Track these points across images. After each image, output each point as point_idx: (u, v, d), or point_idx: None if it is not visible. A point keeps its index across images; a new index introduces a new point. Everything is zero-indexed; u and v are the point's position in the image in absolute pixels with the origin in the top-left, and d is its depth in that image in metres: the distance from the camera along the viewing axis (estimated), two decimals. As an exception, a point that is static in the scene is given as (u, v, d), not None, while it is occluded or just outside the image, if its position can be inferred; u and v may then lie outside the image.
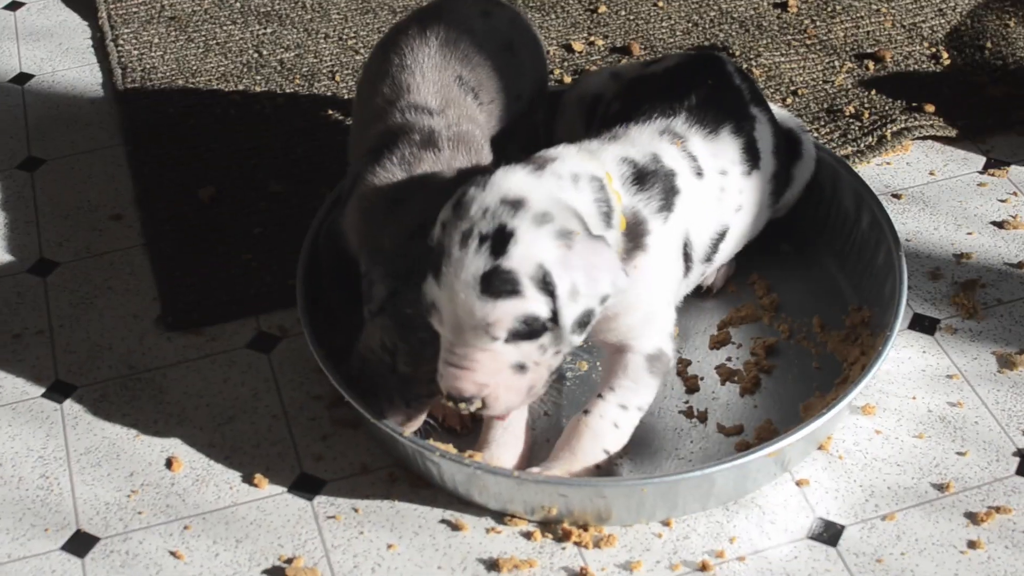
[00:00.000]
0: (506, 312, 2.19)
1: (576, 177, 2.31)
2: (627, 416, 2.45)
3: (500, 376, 2.26)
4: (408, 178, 2.50)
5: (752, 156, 2.61)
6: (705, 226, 2.54)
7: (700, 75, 2.68)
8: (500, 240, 2.19)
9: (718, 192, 2.55)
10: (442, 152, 2.52)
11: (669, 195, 2.44)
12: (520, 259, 2.19)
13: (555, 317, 2.22)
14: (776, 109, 2.81)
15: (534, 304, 2.20)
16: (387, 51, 2.71)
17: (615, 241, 2.34)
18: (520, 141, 2.81)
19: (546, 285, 2.19)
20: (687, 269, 2.52)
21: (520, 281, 2.18)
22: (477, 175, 2.30)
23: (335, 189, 2.79)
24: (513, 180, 2.26)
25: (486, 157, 2.57)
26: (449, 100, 2.61)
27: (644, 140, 2.49)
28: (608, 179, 2.35)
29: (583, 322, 2.24)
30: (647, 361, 2.46)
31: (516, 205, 2.21)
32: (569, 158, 2.35)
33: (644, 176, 2.42)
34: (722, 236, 2.59)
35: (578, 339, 2.26)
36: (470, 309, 2.19)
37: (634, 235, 2.38)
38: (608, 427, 2.44)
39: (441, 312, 2.23)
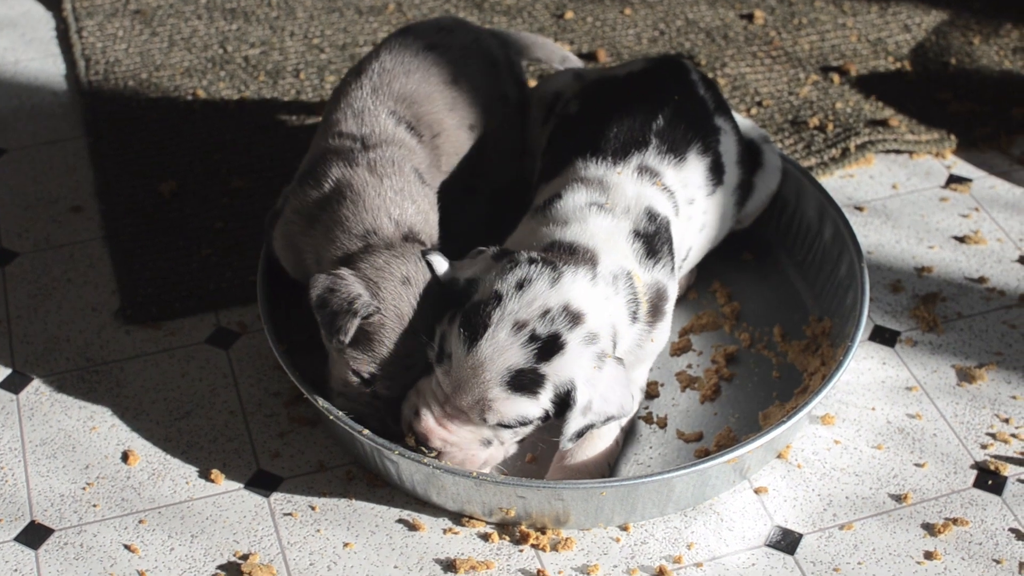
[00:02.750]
0: (513, 408, 2.28)
1: (616, 278, 2.38)
2: (621, 435, 2.52)
3: (468, 445, 2.36)
4: (322, 196, 2.50)
5: (717, 173, 2.63)
6: (676, 252, 2.57)
7: (664, 84, 2.68)
8: (549, 348, 2.27)
9: (686, 222, 2.58)
10: (358, 168, 2.51)
11: (670, 247, 2.49)
12: (557, 369, 2.27)
13: (548, 418, 2.30)
14: (740, 119, 2.81)
15: (538, 409, 2.28)
16: (330, 100, 2.72)
17: (637, 333, 2.42)
18: (489, 169, 2.80)
19: (564, 396, 2.27)
20: None
21: (544, 387, 2.27)
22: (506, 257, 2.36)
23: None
24: (579, 289, 2.31)
25: (412, 182, 2.55)
26: (376, 129, 2.60)
27: (631, 192, 2.50)
28: (636, 278, 2.42)
29: (581, 433, 2.32)
30: (640, 392, 2.56)
31: (576, 320, 2.28)
32: (604, 253, 2.39)
33: (652, 244, 2.46)
34: (686, 255, 2.63)
35: (568, 446, 2.35)
36: (485, 389, 2.27)
37: (656, 309, 2.46)
38: (614, 444, 2.50)
39: (452, 369, 2.29)
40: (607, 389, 2.30)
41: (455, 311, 2.32)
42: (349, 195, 2.47)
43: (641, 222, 2.46)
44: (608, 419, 2.32)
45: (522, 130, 2.85)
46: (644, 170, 2.53)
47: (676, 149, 2.57)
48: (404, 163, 2.55)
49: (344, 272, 2.37)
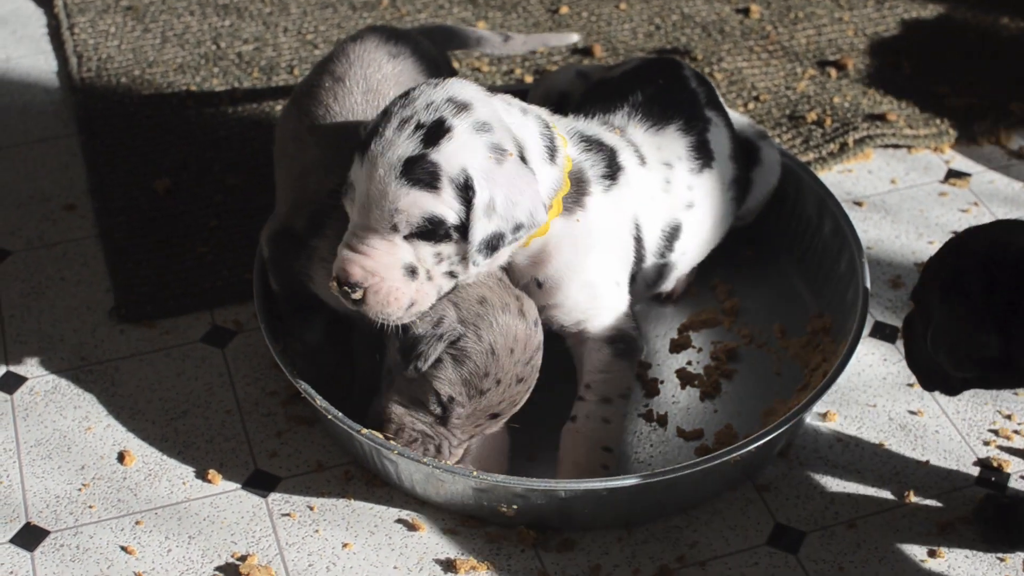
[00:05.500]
0: (416, 203, 2.20)
1: (525, 111, 2.35)
2: (613, 409, 2.46)
3: (390, 272, 2.24)
4: None
5: (703, 155, 2.60)
6: (653, 216, 2.54)
7: (653, 77, 2.68)
8: (435, 132, 2.22)
9: (663, 183, 2.55)
10: None
11: (613, 167, 2.46)
12: (448, 156, 2.21)
13: (464, 230, 2.23)
14: (735, 116, 2.80)
15: (445, 207, 2.21)
16: (306, 106, 2.60)
17: (556, 181, 2.35)
18: None
19: (465, 191, 2.21)
20: (640, 259, 2.52)
21: (440, 177, 2.21)
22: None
23: (271, 222, 2.61)
24: (466, 88, 2.29)
25: None
26: None
27: (585, 125, 2.52)
28: (554, 128, 2.39)
29: (492, 245, 2.24)
30: (610, 346, 2.48)
31: (461, 107, 2.25)
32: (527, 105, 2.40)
33: (590, 141, 2.45)
34: (675, 232, 2.58)
35: (482, 261, 2.25)
36: (384, 190, 2.21)
37: (577, 190, 2.40)
38: (599, 425, 2.44)
39: (355, 191, 2.25)
40: (511, 189, 2.23)
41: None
42: None
43: (586, 130, 2.47)
44: (518, 227, 2.25)
45: None
46: (606, 124, 2.55)
47: (651, 118, 2.57)
48: None
49: None
